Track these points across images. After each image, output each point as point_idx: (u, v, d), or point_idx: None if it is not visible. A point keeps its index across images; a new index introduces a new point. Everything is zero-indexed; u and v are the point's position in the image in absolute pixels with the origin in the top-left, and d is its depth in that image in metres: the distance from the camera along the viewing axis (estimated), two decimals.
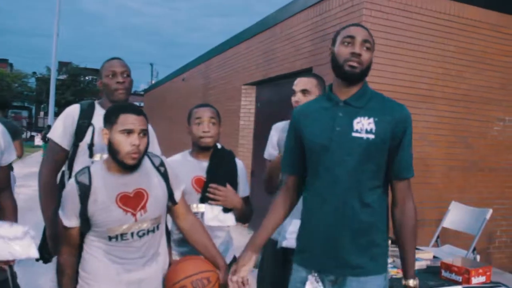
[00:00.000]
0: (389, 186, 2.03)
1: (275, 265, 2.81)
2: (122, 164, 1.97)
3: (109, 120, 1.97)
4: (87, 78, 49.84)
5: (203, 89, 10.89)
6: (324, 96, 2.11)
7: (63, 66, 51.48)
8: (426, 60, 5.30)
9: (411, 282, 2.00)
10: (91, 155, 2.50)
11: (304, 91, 2.78)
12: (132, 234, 2.01)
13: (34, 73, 53.37)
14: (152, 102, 19.92)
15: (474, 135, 5.66)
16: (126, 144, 1.93)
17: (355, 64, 1.91)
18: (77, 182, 1.98)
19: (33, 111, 55.03)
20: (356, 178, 1.92)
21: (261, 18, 7.82)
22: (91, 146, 2.51)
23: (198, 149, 2.55)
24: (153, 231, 2.08)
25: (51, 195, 2.54)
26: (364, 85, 2.01)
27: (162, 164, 2.17)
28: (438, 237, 4.46)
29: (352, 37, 1.94)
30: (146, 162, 2.11)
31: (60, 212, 2.03)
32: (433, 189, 5.38)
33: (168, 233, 2.43)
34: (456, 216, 4.49)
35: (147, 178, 2.08)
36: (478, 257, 4.13)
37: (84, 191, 1.96)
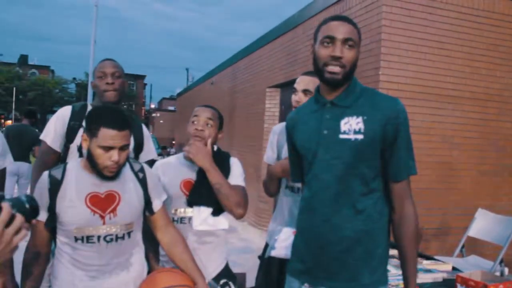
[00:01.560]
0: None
1: (267, 273, 2.65)
2: (99, 174, 1.89)
3: (90, 130, 1.86)
4: None
5: (230, 92, 10.82)
6: (312, 98, 1.94)
7: None
8: (452, 58, 5.03)
9: None
10: (80, 156, 2.42)
11: (306, 91, 2.59)
12: (98, 237, 1.91)
13: (74, 79, 55.03)
14: (183, 106, 20.09)
15: (507, 137, 5.33)
16: (105, 159, 1.84)
17: (335, 70, 1.73)
18: (49, 176, 1.93)
19: None
20: (347, 183, 1.74)
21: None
22: (80, 148, 2.44)
23: None
24: (122, 237, 1.96)
25: None
26: (352, 82, 1.82)
27: (141, 170, 2.06)
28: (463, 246, 4.17)
29: (331, 37, 1.74)
30: (125, 166, 2.00)
31: None
32: (460, 195, 5.09)
33: (156, 241, 2.30)
34: (483, 224, 4.19)
35: (122, 182, 1.97)
36: (506, 270, 3.82)
37: (54, 186, 1.90)
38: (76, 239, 1.90)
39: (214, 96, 12.51)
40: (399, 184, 1.77)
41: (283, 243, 2.39)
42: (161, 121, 42.53)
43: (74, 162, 2.00)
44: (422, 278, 2.77)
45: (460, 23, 5.05)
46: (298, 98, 2.59)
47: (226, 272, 2.41)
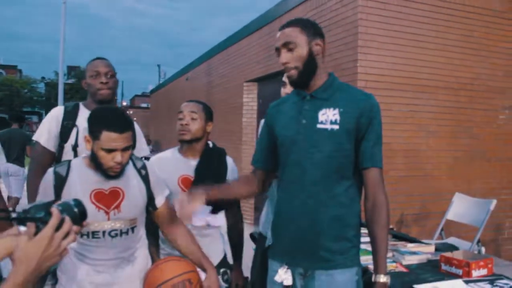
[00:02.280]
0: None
1: (264, 261, 2.75)
2: (103, 173, 1.94)
3: (93, 132, 1.89)
4: None
5: (207, 87, 10.85)
6: (294, 91, 2.09)
7: (71, 70, 51.90)
8: (426, 49, 5.20)
9: (382, 278, 1.89)
10: (75, 156, 2.46)
11: None
12: (103, 233, 1.96)
13: (43, 78, 53.91)
14: (158, 103, 19.99)
15: (479, 125, 5.55)
16: (108, 160, 1.88)
17: (290, 73, 1.92)
18: (54, 173, 1.96)
19: (43, 115, 55.55)
20: (323, 170, 1.89)
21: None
22: (75, 147, 2.49)
23: (185, 145, 2.49)
24: (126, 233, 2.02)
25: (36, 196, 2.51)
26: (330, 77, 1.99)
27: (144, 167, 2.11)
28: (442, 229, 4.36)
29: (277, 48, 1.95)
30: (127, 164, 2.05)
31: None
32: (437, 180, 5.28)
33: (157, 236, 2.37)
34: (460, 207, 4.39)
35: (125, 179, 2.02)
36: (483, 249, 4.02)
37: (60, 182, 1.94)
38: (81, 235, 1.94)
39: (190, 92, 12.51)
40: (370, 173, 1.91)
41: None
42: (135, 119, 42.15)
43: (78, 160, 2.05)
44: (408, 260, 2.89)
45: (434, 15, 5.23)
46: (288, 90, 2.70)
47: (224, 262, 2.51)
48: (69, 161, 2.03)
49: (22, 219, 1.20)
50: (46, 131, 2.57)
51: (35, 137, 2.61)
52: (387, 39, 5.00)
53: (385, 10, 4.98)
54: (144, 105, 47.53)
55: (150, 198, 2.10)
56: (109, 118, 1.88)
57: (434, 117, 5.25)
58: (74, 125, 2.54)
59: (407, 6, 5.10)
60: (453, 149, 5.39)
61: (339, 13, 5.15)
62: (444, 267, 2.79)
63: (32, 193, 2.52)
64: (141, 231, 2.13)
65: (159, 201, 2.13)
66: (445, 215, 4.39)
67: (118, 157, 1.87)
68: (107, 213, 1.95)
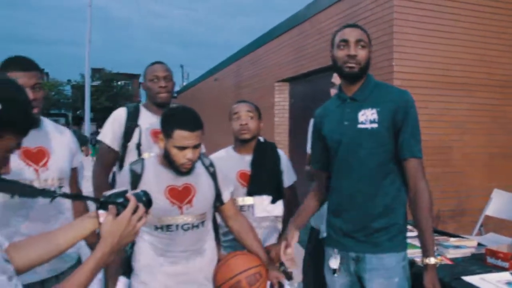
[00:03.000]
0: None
1: (318, 254, 2.86)
2: (175, 170, 2.08)
3: (166, 131, 2.03)
4: (120, 83, 50.92)
5: (235, 88, 11.02)
6: (336, 96, 2.27)
7: (96, 72, 52.69)
8: (461, 47, 5.26)
9: (432, 260, 2.02)
10: (139, 154, 2.61)
11: None
12: (177, 226, 2.09)
13: (69, 80, 54.85)
14: (185, 103, 20.21)
15: None
16: (180, 157, 2.01)
17: (351, 64, 2.06)
18: (130, 170, 2.10)
19: (70, 117, 56.53)
20: (368, 165, 2.06)
21: (284, 13, 7.89)
22: (138, 146, 2.63)
23: (239, 143, 2.63)
24: (197, 226, 2.15)
25: (102, 192, 2.66)
26: (367, 78, 2.14)
27: (211, 165, 2.25)
28: (481, 225, 4.40)
29: (345, 40, 2.07)
30: (197, 161, 2.19)
31: None
32: (472, 177, 5.33)
33: (216, 228, 2.51)
34: (499, 204, 4.41)
35: (196, 176, 2.16)
36: None
37: (135, 179, 2.08)
38: (156, 228, 2.08)
39: (219, 92, 12.70)
40: (409, 164, 2.05)
41: None
42: None
43: (151, 158, 2.19)
44: (452, 253, 2.97)
45: (467, 13, 5.28)
46: (337, 90, 2.82)
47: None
48: (143, 159, 2.18)
49: (105, 203, 1.44)
50: (110, 132, 2.72)
51: (100, 137, 2.76)
52: (422, 38, 5.07)
53: (419, 9, 5.06)
54: (135, 103, 48.12)
55: (218, 194, 2.23)
56: (182, 118, 2.03)
57: (469, 114, 5.30)
58: (136, 125, 2.68)
59: (441, 5, 5.16)
60: (488, 146, 5.42)
61: (374, 13, 5.23)
62: (489, 260, 2.86)
63: (98, 188, 2.68)
64: (210, 225, 2.26)
65: (226, 197, 2.27)
66: (483, 211, 4.43)
67: (189, 154, 2.00)
68: (180, 207, 2.09)
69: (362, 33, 2.10)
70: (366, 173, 2.06)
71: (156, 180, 2.08)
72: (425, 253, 2.04)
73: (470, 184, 5.29)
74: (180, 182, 2.11)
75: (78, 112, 49.29)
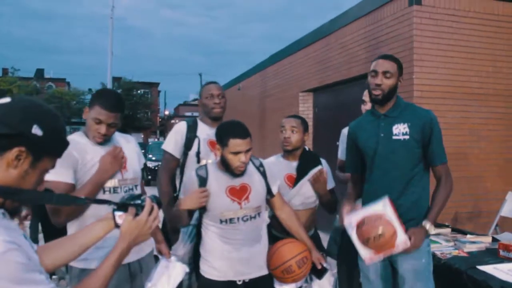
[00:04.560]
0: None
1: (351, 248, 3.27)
2: (232, 173, 2.53)
3: (221, 141, 2.49)
4: (139, 91, 51.54)
5: (260, 97, 11.43)
6: (368, 112, 2.78)
7: (115, 81, 53.41)
8: (476, 60, 5.63)
9: (428, 225, 2.51)
10: (198, 161, 3.07)
11: None
12: (238, 219, 2.53)
13: (90, 90, 55.63)
14: None
15: None
16: (235, 161, 2.47)
17: (377, 92, 2.56)
18: (197, 175, 2.56)
19: None
20: (400, 170, 2.56)
21: (299, 20, 8.25)
22: (198, 154, 3.10)
23: (287, 152, 3.11)
24: (255, 217, 2.58)
25: (168, 196, 3.12)
26: (397, 99, 2.65)
27: (261, 165, 2.71)
28: (497, 225, 4.75)
29: (375, 71, 2.58)
30: (249, 163, 2.64)
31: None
32: (488, 181, 5.69)
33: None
34: None
35: (250, 176, 2.61)
36: None
37: (202, 182, 2.53)
38: (221, 221, 2.52)
39: (242, 101, 13.11)
40: (438, 168, 2.61)
41: None
42: None
43: (211, 164, 2.66)
44: (468, 247, 3.34)
45: (482, 28, 5.65)
46: (368, 107, 3.28)
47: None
48: (206, 166, 2.65)
49: (125, 205, 1.61)
50: (173, 142, 3.19)
51: (163, 147, 3.23)
52: (440, 52, 5.46)
53: (437, 26, 5.45)
54: (188, 113, 48.53)
55: (268, 188, 2.68)
56: (234, 128, 2.50)
57: (485, 123, 5.66)
58: (195, 136, 3.16)
59: (458, 21, 5.55)
60: (504, 152, 5.77)
61: (394, 29, 5.64)
62: (502, 253, 3.21)
63: (164, 193, 3.14)
64: (263, 215, 2.71)
65: (274, 190, 2.72)
66: (499, 212, 4.78)
67: (243, 157, 2.46)
68: (239, 203, 2.54)
69: (391, 65, 2.58)
70: (398, 175, 2.55)
71: (218, 183, 2.54)
72: (427, 219, 2.53)
73: (486, 188, 5.64)
74: (237, 182, 2.56)
75: None
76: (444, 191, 2.58)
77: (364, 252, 2.47)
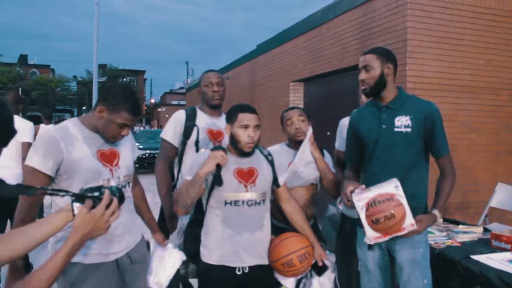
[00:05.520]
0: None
1: (351, 238, 3.28)
2: (241, 152, 2.56)
3: (231, 118, 2.55)
4: (125, 79, 51.19)
5: (249, 86, 11.42)
6: (370, 103, 2.77)
7: (100, 68, 53.01)
8: (468, 53, 5.68)
9: (436, 212, 2.58)
10: (197, 150, 3.06)
11: None
12: (243, 202, 2.54)
13: (75, 77, 55.12)
14: (195, 101, 20.56)
15: None
16: (244, 136, 2.51)
17: (363, 87, 2.63)
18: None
19: (75, 113, 56.90)
20: (401, 162, 2.58)
21: (284, 9, 8.22)
22: (197, 142, 3.09)
23: (293, 142, 3.10)
24: (259, 203, 2.59)
25: (166, 184, 3.11)
26: (399, 91, 2.66)
27: (270, 154, 2.74)
28: (486, 216, 4.83)
29: (359, 68, 2.64)
30: (257, 151, 2.68)
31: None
32: (478, 173, 5.76)
33: None
34: (503, 196, 4.83)
35: (258, 161, 2.64)
36: None
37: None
38: (225, 203, 2.52)
39: (232, 90, 13.06)
40: (444, 159, 2.64)
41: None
42: (167, 115, 43.23)
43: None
44: (462, 237, 3.40)
45: (475, 21, 5.70)
46: (364, 100, 3.28)
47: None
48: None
49: (82, 196, 1.54)
50: (171, 130, 3.17)
51: (162, 135, 3.21)
52: (433, 44, 5.49)
53: (430, 18, 5.48)
54: (174, 102, 48.36)
55: (275, 178, 2.70)
56: (242, 105, 2.61)
57: (476, 115, 5.73)
58: (194, 125, 3.14)
59: (451, 14, 5.58)
60: (494, 144, 5.85)
61: (388, 21, 5.66)
62: (494, 243, 3.27)
63: (161, 179, 3.13)
64: (268, 204, 2.70)
65: (281, 181, 2.74)
66: (488, 203, 4.86)
67: (251, 131, 2.50)
68: (245, 186, 2.55)
69: (369, 57, 2.61)
70: (398, 166, 2.56)
71: (227, 164, 2.53)
72: (434, 206, 2.59)
73: (476, 179, 5.72)
74: (245, 165, 2.58)
75: (84, 108, 49.67)
76: (450, 181, 2.62)
77: (371, 233, 2.48)
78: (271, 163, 2.70)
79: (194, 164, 2.56)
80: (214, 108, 3.21)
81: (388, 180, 2.46)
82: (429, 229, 3.47)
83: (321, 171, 3.03)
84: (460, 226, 3.72)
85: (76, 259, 2.04)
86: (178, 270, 2.73)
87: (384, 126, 2.59)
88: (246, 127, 2.50)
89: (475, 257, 2.94)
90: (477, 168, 5.76)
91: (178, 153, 3.19)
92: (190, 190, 2.44)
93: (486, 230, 3.73)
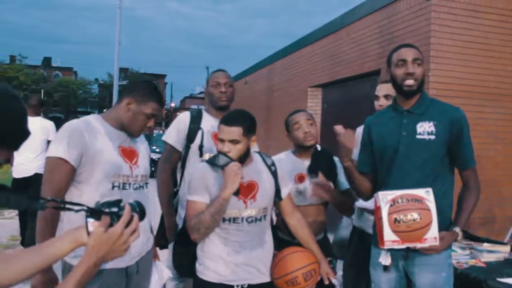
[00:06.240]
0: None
1: (361, 249, 3.04)
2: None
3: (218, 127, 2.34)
4: None
5: (267, 91, 11.23)
6: (390, 107, 2.51)
7: (122, 72, 53.59)
8: (495, 58, 5.39)
9: (457, 229, 2.29)
10: (201, 155, 2.85)
11: (387, 96, 3.03)
12: (242, 219, 2.32)
13: (97, 79, 55.87)
14: None
15: None
16: (220, 150, 2.30)
17: (410, 82, 2.29)
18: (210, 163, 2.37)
19: None
20: (423, 172, 2.30)
21: (306, 16, 8.06)
22: (201, 147, 2.88)
23: (302, 149, 2.84)
24: (260, 219, 2.37)
25: (167, 191, 2.91)
26: (422, 94, 2.38)
27: (273, 164, 2.49)
28: None
29: (403, 59, 2.31)
30: (259, 160, 2.44)
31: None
32: (504, 186, 5.45)
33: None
34: None
35: (258, 173, 2.40)
36: None
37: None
38: (224, 220, 2.30)
39: (249, 95, 12.92)
40: (467, 172, 2.36)
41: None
42: None
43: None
44: (486, 257, 3.14)
45: (502, 25, 5.41)
46: (382, 103, 3.04)
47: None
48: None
49: (98, 212, 1.29)
50: (175, 133, 2.97)
51: (164, 138, 3.01)
52: (457, 49, 5.22)
53: (456, 21, 5.21)
54: (194, 106, 48.44)
55: (277, 190, 2.46)
56: (227, 114, 2.39)
57: (502, 124, 5.42)
58: (199, 128, 2.93)
59: (477, 17, 5.31)
60: None
61: (411, 24, 5.41)
62: None
63: (163, 182, 2.93)
64: (269, 219, 2.49)
65: (284, 193, 2.50)
66: None
67: (225, 147, 2.28)
68: (245, 202, 2.32)
69: (417, 52, 2.33)
70: (420, 178, 2.28)
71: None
72: (455, 223, 2.31)
73: (501, 193, 5.41)
74: (244, 179, 2.32)
75: (104, 111, 50.13)
76: (474, 196, 2.35)
77: (388, 235, 2.18)
78: (274, 173, 2.46)
79: (194, 182, 2.35)
80: (221, 110, 2.98)
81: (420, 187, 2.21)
82: (454, 248, 3.20)
83: (336, 205, 2.84)
84: (485, 244, 3.45)
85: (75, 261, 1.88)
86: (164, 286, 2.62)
87: (404, 133, 2.33)
88: (221, 141, 2.30)
89: (503, 280, 2.68)
90: (503, 181, 5.45)
91: (182, 158, 2.98)
92: (216, 216, 2.22)
93: None
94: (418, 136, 2.30)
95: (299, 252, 2.46)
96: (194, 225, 2.25)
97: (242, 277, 2.33)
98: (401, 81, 2.31)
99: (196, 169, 2.44)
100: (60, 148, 2.09)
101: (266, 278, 2.41)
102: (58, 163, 2.08)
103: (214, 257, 2.34)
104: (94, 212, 1.30)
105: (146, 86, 2.29)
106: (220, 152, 2.30)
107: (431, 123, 2.29)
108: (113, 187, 2.18)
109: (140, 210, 1.36)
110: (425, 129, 2.29)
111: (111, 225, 1.28)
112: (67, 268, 2.13)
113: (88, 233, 1.29)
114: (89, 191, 2.13)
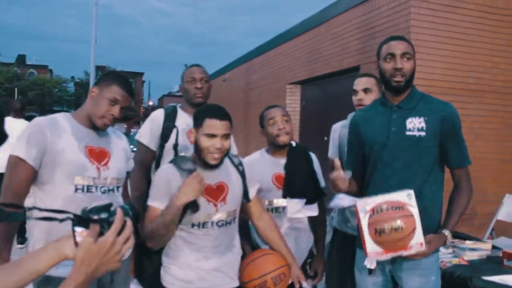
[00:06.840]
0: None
1: (343, 252, 2.94)
2: (204, 163, 2.15)
3: (197, 122, 2.15)
4: None
5: (245, 88, 11.13)
6: (377, 102, 2.38)
7: (99, 69, 52.89)
8: (474, 54, 5.38)
9: (446, 232, 2.16)
10: (176, 154, 2.70)
11: (366, 90, 2.94)
12: (212, 223, 2.18)
13: (73, 78, 54.94)
14: None
15: None
16: (210, 147, 2.10)
17: (398, 78, 2.15)
18: (177, 167, 2.18)
19: None
20: (411, 170, 2.17)
21: (287, 14, 7.98)
22: (175, 146, 2.72)
23: (275, 147, 2.69)
24: (230, 223, 2.24)
25: (138, 191, 2.76)
26: (412, 88, 2.25)
27: (240, 163, 2.35)
28: (493, 229, 4.50)
29: (391, 54, 2.16)
30: (226, 160, 2.29)
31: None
32: (483, 182, 5.42)
33: (248, 228, 2.60)
34: (511, 208, 4.52)
35: (227, 174, 2.26)
36: None
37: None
38: (193, 225, 2.15)
39: (227, 93, 12.80)
40: (459, 171, 2.24)
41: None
42: None
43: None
44: (469, 255, 3.07)
45: (481, 21, 5.40)
46: (360, 97, 2.94)
47: (311, 252, 2.75)
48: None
49: (86, 220, 1.14)
50: (148, 132, 2.81)
51: (137, 137, 2.85)
52: (437, 45, 5.19)
53: (435, 17, 5.18)
54: (173, 104, 47.97)
55: (245, 191, 2.33)
56: (211, 108, 2.18)
57: (481, 120, 5.42)
58: (174, 126, 2.77)
59: (456, 13, 5.28)
60: (500, 152, 5.54)
61: (391, 19, 5.36)
62: (507, 262, 2.95)
63: (136, 188, 2.78)
64: (237, 221, 2.34)
65: (252, 194, 2.36)
66: (495, 215, 4.53)
67: (218, 143, 2.09)
68: (215, 205, 2.18)
69: (407, 45, 2.19)
70: (409, 176, 2.16)
71: None
72: (445, 225, 2.19)
73: (481, 189, 5.37)
74: (213, 180, 2.19)
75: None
76: (465, 198, 2.24)
77: (371, 246, 2.07)
78: (242, 174, 2.33)
79: (156, 186, 2.19)
80: (196, 107, 2.82)
81: (401, 190, 2.08)
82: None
83: None
84: (467, 242, 3.40)
85: (53, 272, 1.52)
86: None
87: (393, 129, 2.19)
88: (212, 136, 2.11)
89: (488, 278, 2.62)
90: (483, 177, 5.43)
91: (156, 157, 2.83)
92: (169, 226, 2.07)
93: (494, 247, 3.42)
94: (407, 133, 2.17)
95: (268, 255, 2.33)
96: (149, 233, 2.11)
97: (212, 284, 2.20)
98: (389, 76, 2.18)
99: (161, 171, 2.27)
100: (20, 146, 1.99)
101: (235, 283, 2.28)
102: (16, 163, 1.97)
103: (182, 264, 2.19)
104: (82, 220, 1.13)
105: (112, 73, 2.20)
106: (184, 157, 2.15)
107: (422, 119, 2.16)
108: (76, 189, 2.04)
109: (134, 215, 1.20)
110: (415, 125, 2.16)
111: (101, 233, 1.12)
112: (41, 280, 1.92)
113: (76, 244, 1.13)
114: (51, 194, 2.00)
